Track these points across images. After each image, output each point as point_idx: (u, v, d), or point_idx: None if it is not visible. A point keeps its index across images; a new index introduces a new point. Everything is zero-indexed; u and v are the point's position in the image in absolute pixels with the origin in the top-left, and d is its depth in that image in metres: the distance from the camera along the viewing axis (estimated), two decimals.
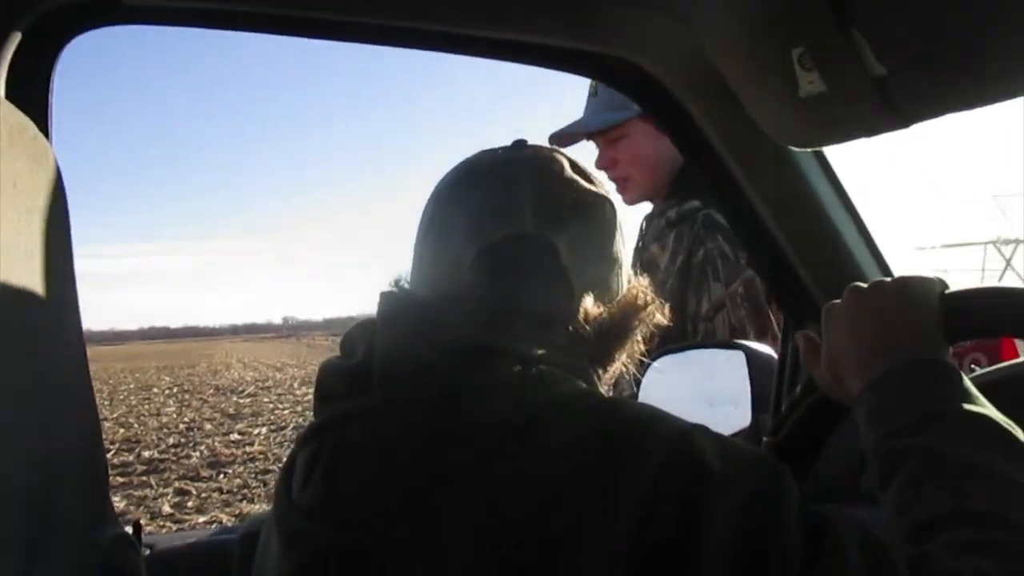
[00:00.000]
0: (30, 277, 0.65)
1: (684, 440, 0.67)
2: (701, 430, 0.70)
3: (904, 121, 0.87)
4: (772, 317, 1.87)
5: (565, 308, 0.80)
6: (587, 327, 0.80)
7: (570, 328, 0.79)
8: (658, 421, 0.70)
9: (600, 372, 0.84)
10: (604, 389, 0.85)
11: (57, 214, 0.70)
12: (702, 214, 1.95)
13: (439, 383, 0.71)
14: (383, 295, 0.82)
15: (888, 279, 0.81)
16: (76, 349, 0.77)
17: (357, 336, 0.80)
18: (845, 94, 0.86)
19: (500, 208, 0.82)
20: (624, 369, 0.89)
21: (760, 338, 1.83)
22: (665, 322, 0.88)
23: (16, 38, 0.88)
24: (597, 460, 0.66)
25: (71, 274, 0.76)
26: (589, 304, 0.81)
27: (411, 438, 0.69)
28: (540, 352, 0.75)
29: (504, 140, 0.90)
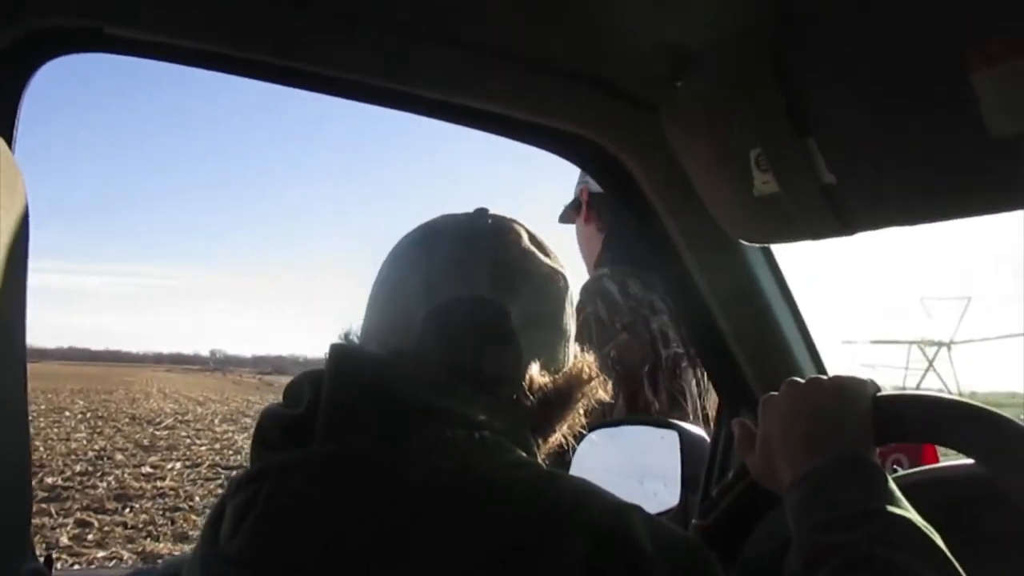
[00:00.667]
0: None
1: (618, 517, 0.69)
2: (636, 510, 0.71)
3: (849, 229, 0.91)
4: (647, 385, 1.94)
5: (511, 373, 0.81)
6: (531, 395, 0.81)
7: (515, 395, 0.80)
8: (594, 497, 0.72)
9: (540, 441, 0.85)
10: (541, 459, 0.86)
11: (19, 235, 0.69)
12: (591, 279, 2.06)
13: (382, 440, 0.72)
14: (333, 347, 0.81)
15: (824, 377, 0.85)
16: (18, 375, 0.75)
17: (303, 385, 0.79)
18: (796, 197, 0.90)
19: (455, 270, 0.83)
20: (563, 441, 0.90)
21: (630, 403, 1.91)
22: (607, 398, 0.90)
23: None
24: (533, 531, 0.67)
25: (23, 298, 0.74)
26: (535, 372, 0.82)
27: (348, 493, 0.69)
28: (483, 417, 0.75)
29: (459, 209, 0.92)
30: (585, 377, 0.87)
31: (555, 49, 1.08)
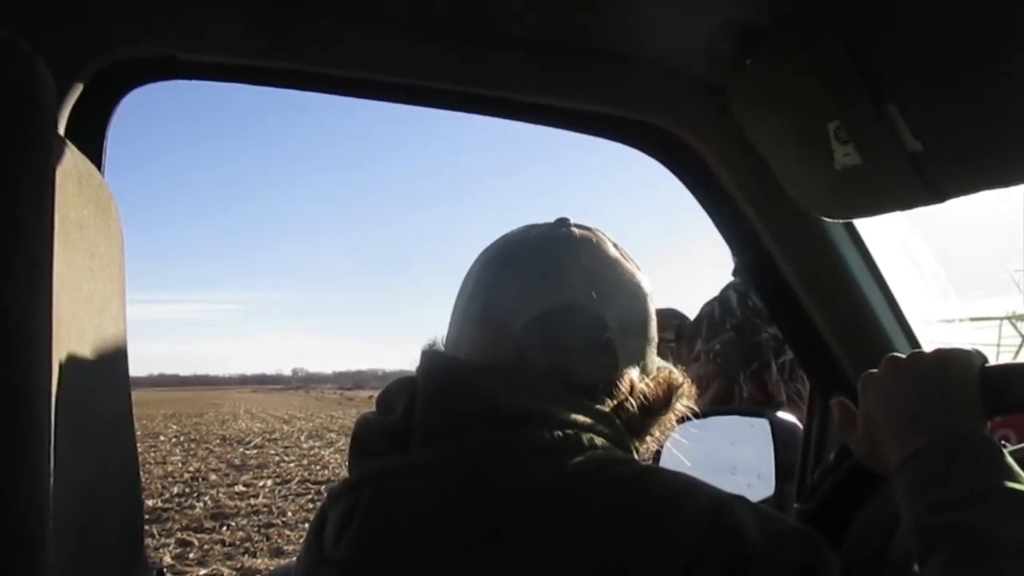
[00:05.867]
0: (89, 321, 0.66)
1: (723, 511, 0.67)
2: (740, 501, 0.70)
3: (939, 196, 0.88)
4: (747, 380, 2.23)
5: (611, 381, 0.81)
6: (630, 400, 0.81)
7: (612, 400, 0.81)
8: (696, 491, 0.70)
9: (636, 446, 0.85)
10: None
11: (116, 261, 0.71)
12: (722, 289, 2.37)
13: (479, 444, 0.72)
14: (425, 354, 0.82)
15: (927, 350, 0.81)
16: (124, 394, 0.78)
17: (397, 393, 0.80)
18: (880, 168, 0.87)
19: (552, 279, 0.84)
20: (657, 444, 0.89)
21: (725, 393, 2.21)
22: (694, 407, 0.90)
23: (78, 89, 0.91)
24: (635, 527, 0.66)
25: (123, 321, 0.77)
26: (635, 378, 0.83)
27: (449, 497, 0.70)
28: (579, 419, 0.75)
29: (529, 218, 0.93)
30: (676, 383, 0.87)
31: (617, 37, 1.07)
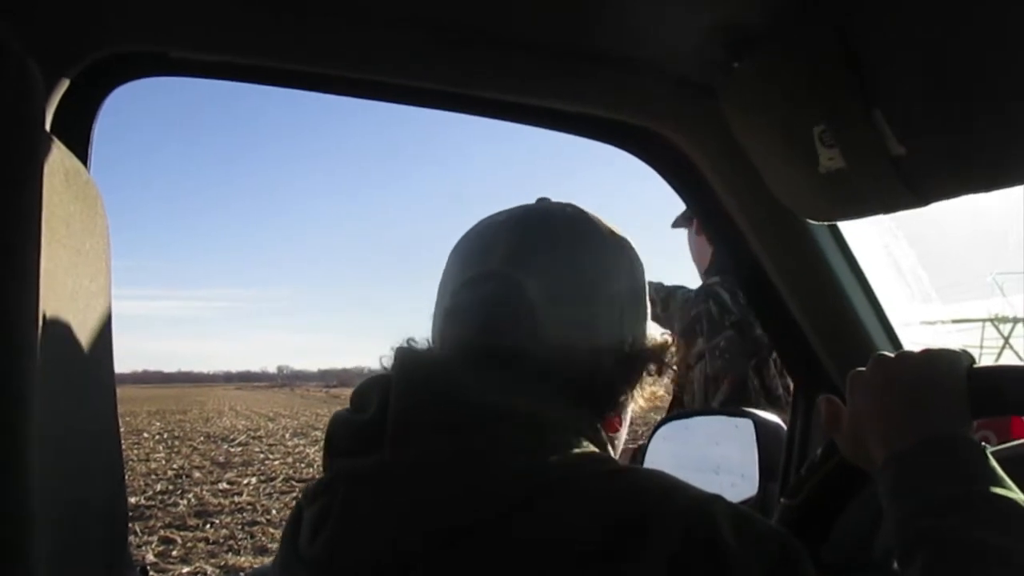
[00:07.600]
0: (74, 317, 0.66)
1: (701, 512, 0.67)
2: (719, 501, 0.69)
3: (921, 200, 0.89)
4: (754, 375, 2.27)
5: (535, 349, 0.78)
6: (577, 372, 0.78)
7: (553, 372, 0.77)
8: (675, 491, 0.70)
9: (602, 420, 0.82)
10: (614, 446, 0.85)
11: (102, 257, 0.71)
12: (705, 285, 2.39)
13: (451, 443, 0.71)
14: (398, 351, 0.80)
15: (915, 350, 0.81)
16: (108, 392, 0.77)
17: (370, 391, 0.78)
18: (864, 171, 0.88)
19: (477, 253, 0.83)
20: (630, 420, 0.87)
21: (739, 389, 2.23)
22: (671, 364, 0.86)
23: (64, 85, 0.91)
24: (614, 528, 0.65)
25: (109, 317, 0.77)
26: (573, 345, 0.79)
27: (422, 498, 0.69)
28: (553, 415, 0.74)
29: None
30: (645, 353, 0.84)
31: (607, 39, 1.07)
